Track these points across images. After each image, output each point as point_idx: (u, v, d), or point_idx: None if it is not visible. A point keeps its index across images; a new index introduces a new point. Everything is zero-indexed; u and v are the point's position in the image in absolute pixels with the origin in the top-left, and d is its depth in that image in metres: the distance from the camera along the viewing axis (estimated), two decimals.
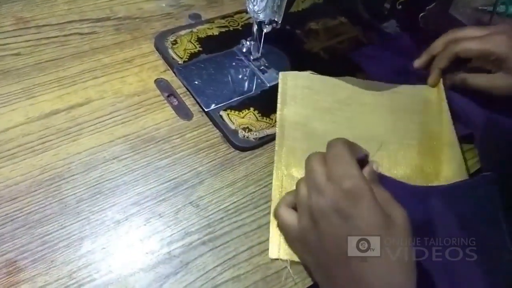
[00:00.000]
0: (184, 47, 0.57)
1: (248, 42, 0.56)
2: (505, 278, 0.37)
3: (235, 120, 0.50)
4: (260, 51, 0.55)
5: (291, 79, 0.53)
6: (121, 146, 0.46)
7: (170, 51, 0.56)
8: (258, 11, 0.50)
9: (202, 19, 0.62)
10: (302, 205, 0.36)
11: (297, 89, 0.53)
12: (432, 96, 0.55)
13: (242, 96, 0.53)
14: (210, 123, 0.50)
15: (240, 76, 0.55)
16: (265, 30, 0.53)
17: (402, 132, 0.51)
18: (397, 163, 0.48)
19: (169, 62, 0.55)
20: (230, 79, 0.55)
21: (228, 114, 0.50)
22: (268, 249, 0.40)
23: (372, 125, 0.51)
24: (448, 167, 0.48)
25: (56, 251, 0.38)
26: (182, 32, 0.59)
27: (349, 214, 0.32)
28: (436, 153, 0.49)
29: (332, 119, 0.51)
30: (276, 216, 0.40)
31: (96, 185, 0.43)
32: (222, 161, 0.46)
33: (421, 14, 0.64)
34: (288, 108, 0.51)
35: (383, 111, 0.53)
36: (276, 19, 0.51)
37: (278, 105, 0.51)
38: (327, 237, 0.33)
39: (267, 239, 0.41)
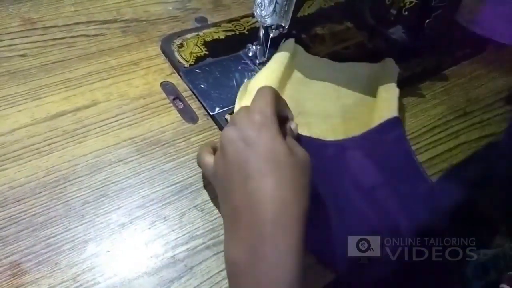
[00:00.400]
0: (190, 50, 0.57)
1: (254, 46, 0.56)
2: (424, 205, 0.42)
3: None
4: (266, 55, 0.55)
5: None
6: (127, 148, 0.46)
7: (176, 54, 0.56)
8: (265, 16, 0.50)
9: (209, 22, 0.62)
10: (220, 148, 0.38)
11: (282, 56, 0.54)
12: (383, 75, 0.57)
13: None
14: (215, 126, 0.50)
15: (245, 80, 0.55)
16: (271, 35, 0.53)
17: (346, 107, 0.54)
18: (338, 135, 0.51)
19: (175, 65, 0.55)
20: (235, 83, 0.55)
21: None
22: None
23: (324, 101, 0.54)
24: None
25: (61, 253, 0.38)
26: (189, 36, 0.59)
27: (252, 141, 0.35)
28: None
29: (289, 94, 0.53)
30: (198, 160, 0.43)
31: (101, 187, 0.42)
32: None
33: (427, 21, 0.64)
34: (251, 81, 0.52)
35: (331, 87, 0.56)
36: (283, 24, 0.51)
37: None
38: (230, 162, 0.35)
39: None
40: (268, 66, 0.53)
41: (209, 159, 0.40)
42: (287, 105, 0.43)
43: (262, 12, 0.50)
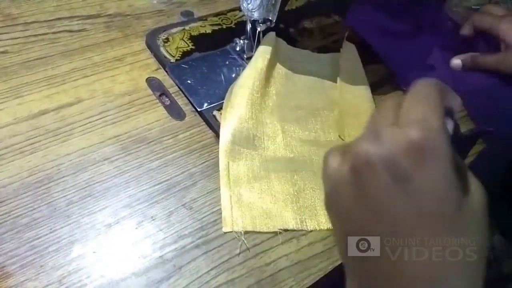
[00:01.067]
0: (176, 45, 0.56)
1: (241, 41, 0.55)
2: None
3: None
4: (254, 49, 0.55)
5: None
6: (112, 147, 0.45)
7: (162, 49, 0.55)
8: (252, 9, 0.49)
9: (195, 16, 0.61)
10: (350, 148, 0.25)
11: (252, 62, 0.53)
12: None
13: None
14: (203, 123, 0.49)
15: (233, 75, 0.54)
16: (259, 29, 0.52)
17: (332, 98, 0.54)
18: (329, 128, 0.51)
19: (161, 61, 0.54)
20: (223, 78, 0.54)
21: (221, 114, 0.49)
22: (262, 252, 0.40)
23: (307, 94, 0.54)
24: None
25: (46, 255, 0.37)
26: (174, 30, 0.58)
27: (408, 175, 0.22)
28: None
29: (275, 88, 0.52)
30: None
31: (86, 187, 0.42)
32: (216, 162, 0.45)
33: None
34: (237, 81, 0.51)
35: (316, 80, 0.56)
36: (270, 18, 0.50)
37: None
38: (368, 200, 0.24)
39: (262, 242, 0.41)
40: (251, 64, 0.52)
41: (333, 160, 0.26)
42: (452, 91, 0.27)
43: (249, 5, 0.49)
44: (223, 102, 0.50)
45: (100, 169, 0.43)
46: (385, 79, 0.58)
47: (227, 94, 0.50)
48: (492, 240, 0.56)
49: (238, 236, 0.40)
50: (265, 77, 0.51)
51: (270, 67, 0.53)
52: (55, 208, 0.40)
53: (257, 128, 0.48)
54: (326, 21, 0.64)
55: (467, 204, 0.23)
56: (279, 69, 0.54)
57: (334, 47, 0.61)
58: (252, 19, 0.51)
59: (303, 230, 0.42)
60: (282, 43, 0.57)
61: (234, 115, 0.48)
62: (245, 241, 0.40)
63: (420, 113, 0.23)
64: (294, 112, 0.51)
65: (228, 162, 0.45)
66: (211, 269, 0.38)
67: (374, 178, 0.23)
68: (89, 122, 0.46)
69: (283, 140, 0.48)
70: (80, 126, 0.46)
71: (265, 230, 0.41)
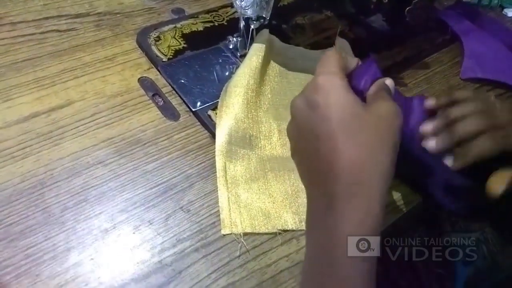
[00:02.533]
0: (168, 43, 0.55)
1: (234, 39, 0.55)
2: None
3: None
4: (247, 47, 0.54)
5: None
6: (106, 150, 0.44)
7: (154, 48, 0.54)
8: (245, 7, 0.48)
9: (186, 14, 0.60)
10: None
11: (246, 60, 0.52)
12: None
13: None
14: (198, 123, 0.48)
15: (227, 74, 0.54)
16: (252, 26, 0.51)
17: None
18: None
19: (153, 60, 0.53)
20: (216, 76, 0.53)
21: (216, 114, 0.49)
22: (262, 253, 0.40)
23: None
24: None
25: (41, 264, 0.36)
26: (166, 28, 0.57)
27: (317, 104, 0.32)
28: None
29: (269, 87, 0.52)
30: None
31: (81, 192, 0.41)
32: (212, 162, 0.45)
33: (407, 8, 0.64)
34: (231, 81, 0.50)
35: (309, 77, 0.53)
36: (264, 15, 0.49)
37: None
38: (300, 130, 0.34)
39: (261, 243, 0.40)
40: (245, 63, 0.51)
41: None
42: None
43: (242, 3, 0.48)
44: (217, 101, 0.49)
45: (94, 173, 0.42)
46: None
47: (222, 93, 0.49)
48: (484, 233, 0.56)
49: (238, 238, 0.40)
50: (260, 76, 0.50)
51: (264, 65, 0.52)
52: (50, 215, 0.39)
53: (253, 127, 0.47)
54: (317, 17, 0.64)
55: (369, 112, 0.31)
56: (273, 67, 0.53)
57: (326, 43, 0.60)
58: (246, 16, 0.50)
59: (302, 229, 0.42)
60: (276, 40, 0.56)
61: (229, 115, 0.47)
62: (245, 243, 0.40)
63: (322, 67, 0.34)
64: (289, 110, 0.50)
65: (225, 163, 0.44)
66: (211, 273, 0.38)
67: (300, 114, 0.34)
68: (81, 125, 0.45)
69: (279, 139, 0.48)
70: (72, 129, 0.45)
71: (264, 231, 0.41)
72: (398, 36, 0.63)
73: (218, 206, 0.42)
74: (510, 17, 0.74)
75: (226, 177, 0.43)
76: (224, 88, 0.50)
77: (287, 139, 0.48)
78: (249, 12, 0.49)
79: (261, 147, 0.47)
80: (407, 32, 0.64)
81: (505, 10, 0.75)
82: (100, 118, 0.46)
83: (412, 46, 0.63)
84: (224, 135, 0.46)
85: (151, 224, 0.40)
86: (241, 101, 0.48)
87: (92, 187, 0.41)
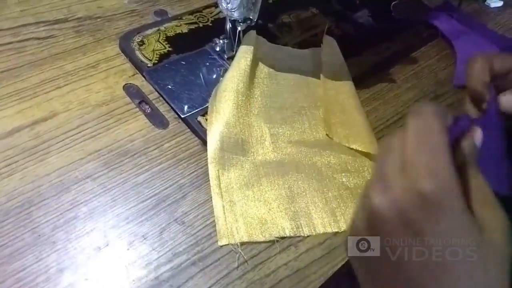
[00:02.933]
0: (152, 47, 0.53)
1: (221, 41, 0.53)
2: None
3: None
4: (235, 49, 0.53)
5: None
6: (94, 163, 0.43)
7: (138, 53, 0.52)
8: (232, 9, 0.47)
9: (169, 15, 0.58)
10: (363, 195, 0.26)
11: (235, 62, 0.51)
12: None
13: None
14: (188, 130, 0.47)
15: (214, 77, 0.52)
16: (239, 28, 0.50)
17: (317, 96, 0.53)
18: (316, 125, 0.50)
19: (138, 65, 0.52)
20: (203, 80, 0.52)
21: (206, 120, 0.48)
22: (261, 263, 0.39)
23: (291, 92, 0.52)
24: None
25: (34, 287, 0.35)
26: (149, 31, 0.55)
27: (423, 230, 0.23)
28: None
29: (259, 88, 0.51)
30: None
31: (70, 209, 0.39)
32: (205, 171, 0.44)
33: (393, 3, 0.63)
34: (220, 85, 0.49)
35: (299, 77, 0.54)
36: (251, 17, 0.48)
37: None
38: (384, 248, 0.25)
39: (259, 252, 0.40)
40: (234, 66, 0.50)
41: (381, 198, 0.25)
42: (450, 111, 0.27)
43: (228, 5, 0.47)
44: (207, 107, 0.48)
45: (83, 188, 0.41)
46: (367, 72, 0.58)
47: (211, 98, 0.48)
48: None
49: (235, 249, 0.39)
50: (249, 78, 0.49)
51: (253, 67, 0.51)
52: (39, 235, 0.37)
53: (245, 132, 0.47)
54: (303, 15, 0.63)
55: (485, 243, 0.23)
56: (262, 69, 0.53)
57: (314, 41, 0.59)
58: (232, 18, 0.49)
59: (299, 236, 0.41)
60: (263, 41, 0.55)
61: (220, 121, 0.46)
62: (242, 253, 0.39)
63: (424, 157, 0.23)
64: (280, 112, 0.50)
65: (218, 171, 0.43)
66: (210, 286, 0.37)
67: (388, 231, 0.24)
68: (67, 138, 0.44)
69: (272, 143, 0.47)
70: (57, 143, 0.43)
71: (261, 239, 0.40)
72: (385, 31, 0.63)
73: (213, 216, 0.41)
74: (492, 8, 0.74)
75: (220, 186, 0.43)
76: (213, 92, 0.49)
77: (279, 142, 0.47)
78: (236, 14, 0.47)
79: (254, 152, 0.46)
80: (394, 27, 0.64)
81: (488, 1, 0.75)
82: (86, 129, 0.45)
83: (399, 41, 0.63)
84: (215, 141, 0.45)
85: (145, 239, 0.39)
86: (231, 105, 0.47)
87: (81, 203, 0.40)
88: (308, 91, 0.53)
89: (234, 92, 0.48)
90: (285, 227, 0.41)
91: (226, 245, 0.39)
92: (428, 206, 0.22)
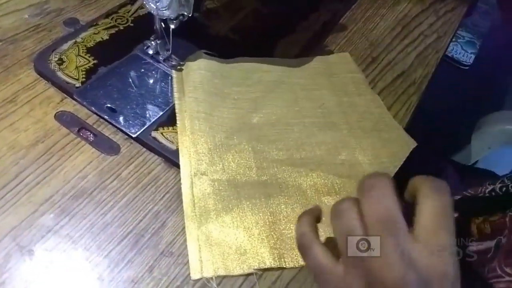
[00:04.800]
0: (74, 64, 0.46)
1: (153, 42, 0.48)
2: None
3: (173, 137, 0.43)
4: (170, 49, 0.48)
5: (186, 67, 0.49)
6: (49, 214, 0.37)
7: (60, 73, 0.45)
8: (162, 8, 0.42)
9: (82, 23, 0.51)
10: (355, 260, 0.29)
11: (195, 73, 0.48)
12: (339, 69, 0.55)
13: (168, 106, 0.46)
14: (144, 150, 0.43)
15: (157, 84, 0.48)
16: (172, 26, 0.45)
17: (304, 111, 0.49)
18: (302, 144, 0.46)
19: (64, 88, 0.45)
20: (145, 90, 0.47)
21: (162, 133, 0.43)
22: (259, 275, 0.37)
23: (276, 107, 0.48)
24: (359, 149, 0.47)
25: None
26: (65, 46, 0.48)
27: None
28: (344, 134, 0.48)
29: (235, 104, 0.47)
30: (306, 253, 0.32)
31: (38, 276, 0.34)
32: (177, 190, 0.40)
33: None
34: (188, 96, 0.46)
35: (286, 90, 0.50)
36: (185, 12, 0.44)
37: (175, 94, 0.46)
38: None
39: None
40: (190, 77, 0.47)
41: (328, 261, 0.30)
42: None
43: (158, 4, 0.42)
44: (157, 119, 0.44)
45: (47, 246, 0.35)
46: (303, 49, 0.56)
47: (176, 107, 0.45)
48: None
49: (208, 283, 0.36)
50: (219, 92, 0.46)
51: (224, 78, 0.48)
52: None
53: (224, 151, 0.43)
54: None
55: None
56: (239, 81, 0.49)
57: (246, 25, 0.57)
58: (164, 17, 0.44)
59: (281, 268, 0.37)
60: (212, 61, 0.50)
61: (195, 141, 0.42)
62: None
63: (439, 236, 0.27)
64: (265, 129, 0.46)
65: (193, 193, 0.40)
66: None
67: None
68: (8, 192, 0.37)
69: (255, 162, 0.43)
70: None
71: (239, 272, 0.36)
72: (311, 2, 0.62)
73: None
74: None
75: (195, 211, 0.39)
76: (175, 93, 0.45)
77: (263, 161, 0.43)
78: (168, 13, 0.43)
79: (235, 172, 0.42)
80: None
81: None
82: (27, 177, 0.38)
83: (326, 10, 0.62)
84: (189, 163, 0.41)
85: (135, 283, 0.35)
86: (205, 124, 0.44)
87: (51, 263, 0.34)
88: (296, 106, 0.49)
89: (208, 108, 0.45)
90: (265, 257, 0.37)
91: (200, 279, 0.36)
92: (452, 281, 0.26)
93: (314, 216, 0.34)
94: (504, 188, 0.43)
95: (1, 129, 0.41)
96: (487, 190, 0.45)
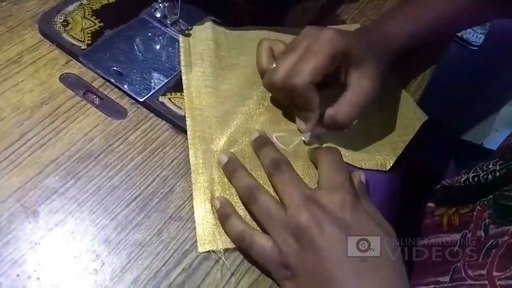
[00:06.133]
0: (80, 26, 0.45)
1: (160, 5, 0.47)
2: None
3: (181, 103, 0.42)
4: (178, 13, 0.47)
5: (193, 36, 0.47)
6: (55, 176, 0.36)
7: (65, 35, 0.44)
8: None
9: None
10: (280, 222, 0.33)
11: (202, 44, 0.46)
12: None
13: (176, 72, 0.44)
14: (152, 115, 0.42)
15: (164, 49, 0.46)
16: None
17: None
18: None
19: (69, 50, 0.43)
20: (152, 54, 0.45)
21: (169, 99, 0.42)
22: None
23: None
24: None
25: None
26: (70, 8, 0.46)
27: (349, 223, 0.32)
28: None
29: (244, 73, 0.46)
30: (248, 244, 0.34)
31: (45, 235, 0.33)
32: (185, 156, 0.39)
33: None
34: (195, 69, 0.44)
35: None
36: None
37: (182, 68, 0.44)
38: (326, 254, 0.30)
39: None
40: (197, 47, 0.46)
41: (267, 242, 0.33)
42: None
43: None
44: (165, 84, 0.43)
45: (52, 207, 0.34)
46: (315, 19, 0.55)
47: (183, 82, 0.43)
48: None
49: (218, 256, 0.34)
50: (227, 63, 0.45)
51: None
52: (18, 274, 0.31)
53: (234, 119, 0.41)
54: None
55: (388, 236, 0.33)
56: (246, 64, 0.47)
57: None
58: None
59: None
60: (227, 32, 0.48)
61: (204, 120, 0.41)
62: (226, 263, 0.34)
63: (340, 179, 0.34)
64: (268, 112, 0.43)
65: (202, 166, 0.38)
66: (231, 277, 0.34)
67: (324, 234, 0.31)
68: (12, 153, 0.36)
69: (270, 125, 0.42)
70: (2, 162, 0.35)
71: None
72: None
73: None
74: None
75: (201, 180, 0.38)
76: (184, 77, 0.43)
77: (269, 130, 0.41)
78: None
79: (242, 142, 0.40)
80: None
81: None
82: (32, 138, 0.37)
83: None
84: (198, 139, 0.40)
85: (144, 246, 0.34)
86: (213, 101, 0.43)
87: (56, 225, 0.33)
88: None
89: (215, 82, 0.44)
90: None
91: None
92: (350, 208, 0.32)
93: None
94: (476, 178, 0.42)
95: (5, 90, 0.39)
96: (461, 180, 0.43)
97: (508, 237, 0.33)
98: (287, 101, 0.42)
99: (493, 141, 0.97)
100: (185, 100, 0.42)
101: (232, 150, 0.40)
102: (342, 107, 0.39)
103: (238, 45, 0.48)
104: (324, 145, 0.42)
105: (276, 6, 0.54)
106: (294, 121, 0.43)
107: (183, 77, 0.44)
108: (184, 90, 0.43)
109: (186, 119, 0.41)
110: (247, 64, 0.46)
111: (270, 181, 0.36)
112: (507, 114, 0.94)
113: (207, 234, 0.35)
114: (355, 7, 0.59)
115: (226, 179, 0.38)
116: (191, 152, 0.39)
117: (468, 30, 1.09)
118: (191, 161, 0.38)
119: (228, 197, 0.37)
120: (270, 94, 0.44)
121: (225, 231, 0.35)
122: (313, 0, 0.56)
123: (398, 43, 0.45)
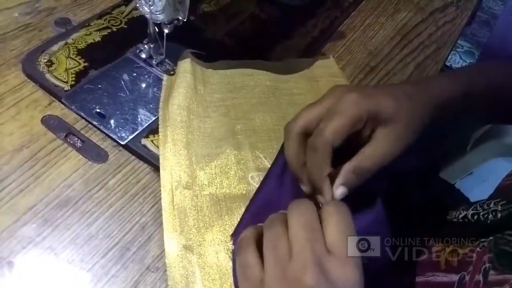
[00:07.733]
0: (64, 66, 0.45)
1: (146, 46, 0.47)
2: None
3: None
4: (164, 53, 0.47)
5: (177, 68, 0.47)
6: (31, 224, 0.35)
7: (48, 76, 0.44)
8: (156, 12, 0.41)
9: (74, 23, 0.49)
10: (281, 261, 0.29)
11: (180, 77, 0.46)
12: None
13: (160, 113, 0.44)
14: (134, 158, 0.41)
15: (149, 89, 0.46)
16: (166, 31, 0.44)
17: (288, 117, 0.44)
18: None
19: (52, 91, 0.43)
20: (136, 95, 0.45)
21: (152, 141, 0.42)
22: None
23: (259, 113, 0.47)
24: None
25: None
26: (55, 47, 0.46)
27: None
28: None
29: (217, 112, 0.45)
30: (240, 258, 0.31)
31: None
32: None
33: None
34: (171, 103, 0.44)
35: (270, 95, 0.49)
36: (180, 17, 0.42)
37: (160, 104, 0.44)
38: None
39: None
40: (180, 80, 0.45)
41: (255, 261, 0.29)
42: None
43: (152, 8, 0.41)
44: (148, 126, 0.43)
45: (26, 258, 0.34)
46: (301, 55, 0.55)
47: (160, 118, 0.43)
48: None
49: None
50: (202, 100, 0.45)
51: (206, 83, 0.47)
52: None
53: (206, 162, 0.41)
54: (225, 1, 0.58)
55: None
56: (221, 85, 0.48)
57: (243, 31, 0.55)
58: (158, 21, 0.42)
59: None
60: (203, 67, 0.48)
61: (176, 153, 0.41)
62: None
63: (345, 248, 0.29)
64: (248, 136, 0.44)
65: (174, 209, 0.37)
66: None
67: None
68: None
69: (237, 173, 0.41)
70: None
71: None
72: (308, 8, 0.61)
73: None
74: None
75: (174, 227, 0.37)
76: (161, 103, 0.44)
77: (246, 171, 0.41)
78: (161, 17, 0.41)
79: (216, 185, 0.40)
80: (315, 2, 0.62)
81: None
82: (10, 184, 0.37)
83: (323, 16, 0.61)
84: (170, 177, 0.39)
85: None
86: (185, 130, 0.42)
87: (31, 277, 0.33)
88: (280, 111, 0.47)
89: (189, 117, 0.43)
90: None
91: None
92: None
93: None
94: (475, 216, 0.40)
95: None
96: (460, 216, 0.42)
97: (509, 286, 0.32)
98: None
99: (482, 170, 0.97)
100: (159, 134, 0.42)
101: (205, 193, 0.39)
102: (364, 160, 0.35)
103: (214, 81, 0.48)
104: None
105: (262, 44, 0.55)
106: (266, 161, 0.43)
107: (160, 113, 0.43)
108: (159, 125, 0.42)
109: (160, 154, 0.41)
110: (221, 104, 0.46)
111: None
112: (495, 145, 0.94)
113: (178, 283, 0.34)
114: (341, 44, 0.60)
115: (202, 221, 0.37)
116: (163, 193, 0.38)
117: (458, 59, 1.11)
118: (163, 204, 0.38)
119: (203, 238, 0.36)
120: (241, 136, 0.44)
121: None
122: (299, 37, 0.57)
123: (445, 99, 0.39)
